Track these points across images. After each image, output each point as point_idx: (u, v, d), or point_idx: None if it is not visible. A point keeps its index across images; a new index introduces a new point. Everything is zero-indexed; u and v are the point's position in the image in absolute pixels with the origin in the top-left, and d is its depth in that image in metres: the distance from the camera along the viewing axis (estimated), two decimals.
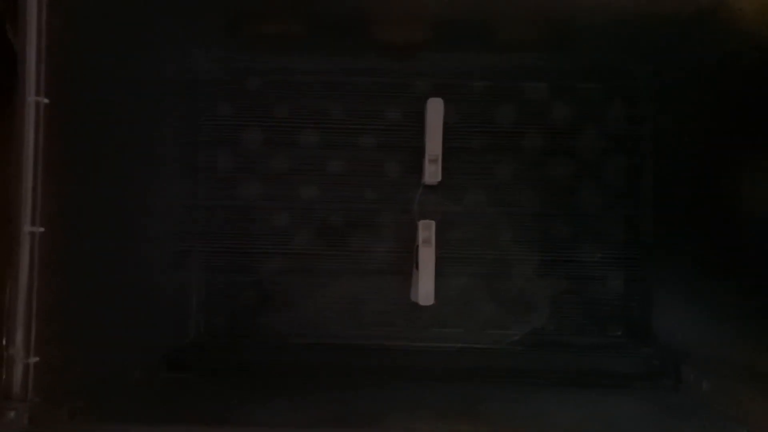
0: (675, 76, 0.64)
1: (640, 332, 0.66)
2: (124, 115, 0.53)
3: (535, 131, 0.68)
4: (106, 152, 0.51)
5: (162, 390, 0.58)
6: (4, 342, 0.39)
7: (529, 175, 0.67)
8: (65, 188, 0.43)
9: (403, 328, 0.67)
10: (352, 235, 0.68)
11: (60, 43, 0.41)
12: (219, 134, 0.67)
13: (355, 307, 0.67)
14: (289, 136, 0.68)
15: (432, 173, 0.63)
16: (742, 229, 0.52)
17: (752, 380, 0.49)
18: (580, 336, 0.67)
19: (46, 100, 0.40)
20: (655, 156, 0.66)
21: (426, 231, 0.63)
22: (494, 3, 0.57)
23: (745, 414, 0.50)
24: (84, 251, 0.47)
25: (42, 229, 0.40)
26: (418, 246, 0.63)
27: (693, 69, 0.60)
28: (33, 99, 0.39)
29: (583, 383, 0.63)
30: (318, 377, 0.63)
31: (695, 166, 0.59)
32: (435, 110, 0.63)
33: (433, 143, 0.62)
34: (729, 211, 0.54)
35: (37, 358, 0.39)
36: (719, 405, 0.53)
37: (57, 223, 0.41)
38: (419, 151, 0.64)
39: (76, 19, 0.44)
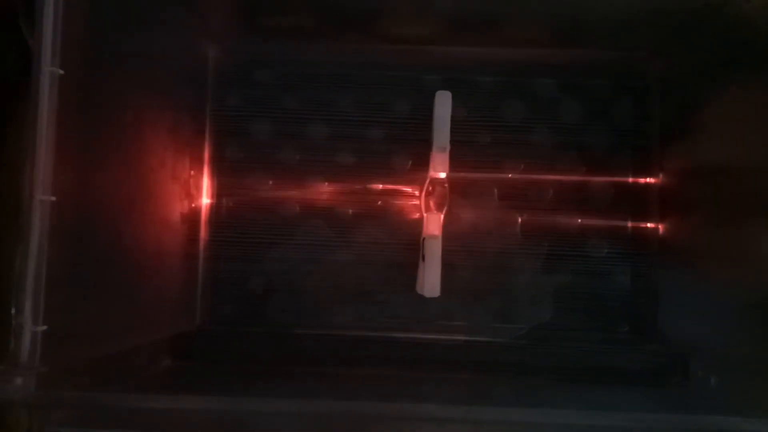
0: (683, 71, 0.64)
1: (647, 328, 0.66)
2: (136, 100, 0.54)
3: (542, 126, 0.68)
4: (118, 133, 0.51)
5: (167, 376, 0.58)
6: (13, 311, 0.40)
7: (537, 170, 0.68)
8: (78, 161, 0.44)
9: (409, 320, 0.67)
10: (359, 227, 0.68)
11: (75, 20, 0.42)
12: (228, 124, 0.68)
13: (361, 298, 0.67)
14: (297, 127, 0.68)
15: (439, 165, 0.63)
16: (748, 222, 0.52)
17: (762, 373, 0.49)
18: (587, 331, 0.66)
19: (61, 71, 0.40)
20: (662, 152, 0.67)
21: (433, 223, 0.63)
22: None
23: (756, 407, 0.49)
24: (94, 227, 0.47)
25: (54, 198, 0.40)
26: (424, 238, 0.63)
27: (701, 63, 0.60)
28: (48, 69, 0.40)
29: (589, 379, 0.62)
30: (323, 368, 0.63)
31: (702, 161, 0.59)
32: (443, 103, 0.63)
33: (441, 135, 0.62)
34: (736, 205, 0.54)
35: (45, 327, 0.40)
36: (728, 400, 0.53)
37: (69, 195, 0.42)
38: (427, 143, 0.65)
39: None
